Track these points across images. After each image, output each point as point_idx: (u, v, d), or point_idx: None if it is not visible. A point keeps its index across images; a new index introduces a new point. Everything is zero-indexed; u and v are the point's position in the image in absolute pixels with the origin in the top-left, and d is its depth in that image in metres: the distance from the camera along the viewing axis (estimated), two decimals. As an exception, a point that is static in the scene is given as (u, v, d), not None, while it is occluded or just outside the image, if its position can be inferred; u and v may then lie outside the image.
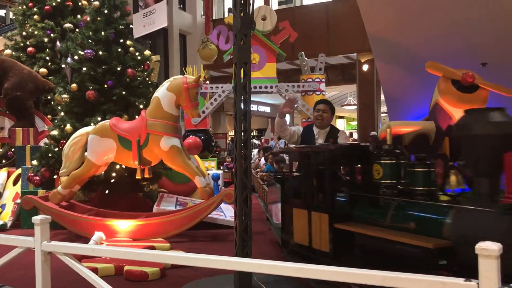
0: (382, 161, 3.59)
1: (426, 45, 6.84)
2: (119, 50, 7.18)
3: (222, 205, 6.59)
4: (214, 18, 20.03)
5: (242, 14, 3.96)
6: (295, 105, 8.92)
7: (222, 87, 10.06)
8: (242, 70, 4.02)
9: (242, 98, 4.02)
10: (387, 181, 3.52)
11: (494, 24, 6.60)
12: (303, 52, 10.23)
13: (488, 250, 1.20)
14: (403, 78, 7.52)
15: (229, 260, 1.87)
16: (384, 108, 18.48)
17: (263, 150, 14.97)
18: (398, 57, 7.39)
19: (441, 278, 1.31)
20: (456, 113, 4.63)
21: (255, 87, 9.69)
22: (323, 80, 10.09)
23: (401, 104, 7.65)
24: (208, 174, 8.43)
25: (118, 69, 7.05)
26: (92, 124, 6.58)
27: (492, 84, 4.54)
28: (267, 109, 28.36)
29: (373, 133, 16.46)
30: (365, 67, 18.00)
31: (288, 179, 4.77)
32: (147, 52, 7.88)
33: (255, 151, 15.41)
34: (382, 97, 15.72)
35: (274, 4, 20.38)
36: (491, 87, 4.53)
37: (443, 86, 4.63)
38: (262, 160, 13.85)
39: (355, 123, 23.16)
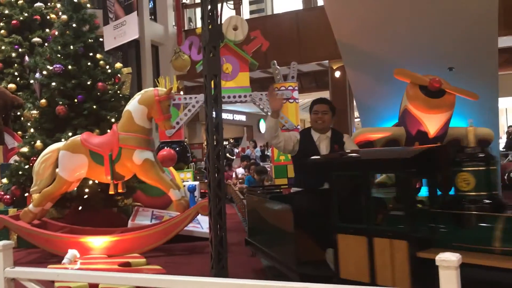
0: (471, 168, 2.94)
1: (394, 51, 6.97)
2: (89, 64, 7.10)
3: (199, 217, 6.54)
4: (185, 28, 20.00)
5: (210, 27, 3.97)
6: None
7: (195, 97, 10.02)
8: (212, 82, 4.02)
9: (214, 110, 4.02)
10: (481, 193, 2.86)
11: (457, 29, 6.77)
12: (275, 61, 10.29)
13: (447, 261, 1.22)
14: (373, 84, 7.64)
15: (205, 281, 1.85)
16: (357, 114, 18.70)
17: (241, 159, 14.46)
18: (367, 63, 7.50)
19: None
20: (425, 118, 4.73)
21: (229, 97, 9.70)
22: (296, 88, 10.16)
23: (373, 110, 7.76)
24: (184, 186, 8.38)
25: (88, 83, 6.97)
26: (62, 139, 6.47)
27: (458, 89, 4.66)
28: (243, 118, 28.38)
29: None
30: (337, 74, 18.20)
31: (304, 196, 3.99)
32: (117, 65, 7.82)
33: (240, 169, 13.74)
34: (355, 103, 15.92)
35: (245, 14, 20.46)
36: (458, 92, 4.64)
37: (411, 92, 4.73)
38: (241, 169, 13.29)
39: (330, 128, 23.36)
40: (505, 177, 11.75)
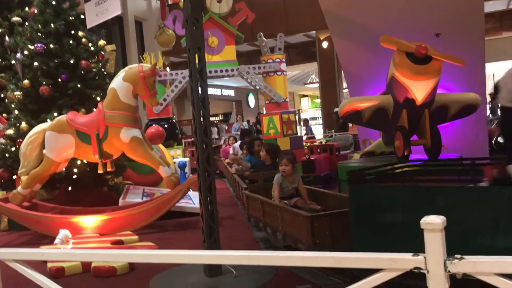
0: None
1: (380, 19, 6.88)
2: (71, 42, 6.96)
3: (191, 193, 6.55)
4: (169, 3, 19.64)
5: (192, -1, 3.88)
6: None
7: (182, 73, 9.89)
8: (196, 55, 3.95)
9: (199, 84, 3.97)
10: None
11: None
12: (261, 33, 10.15)
13: (432, 224, 1.22)
14: (360, 53, 7.56)
15: (196, 254, 1.84)
16: (346, 84, 18.66)
17: (241, 135, 12.26)
18: (354, 32, 7.41)
19: (390, 255, 1.33)
20: (412, 85, 4.70)
21: (215, 71, 9.59)
22: (283, 60, 10.06)
23: (360, 80, 7.70)
24: (174, 162, 8.36)
25: (71, 61, 6.85)
26: (48, 120, 6.39)
27: (445, 55, 4.62)
28: (231, 93, 28.22)
29: (336, 109, 16.63)
30: (325, 44, 18.07)
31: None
32: (101, 42, 7.67)
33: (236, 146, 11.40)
34: (343, 73, 15.87)
35: (230, -14, 20.10)
36: (444, 57, 4.60)
37: (398, 59, 4.68)
38: (236, 146, 11.10)
39: (319, 100, 23.35)
40: (493, 142, 11.86)
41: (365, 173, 3.35)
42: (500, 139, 12.46)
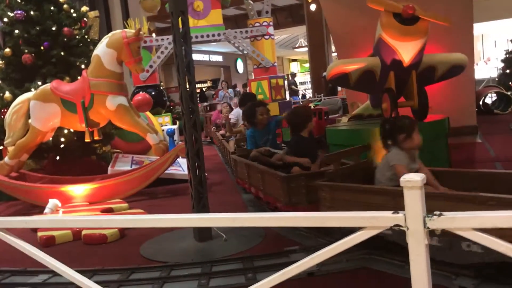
0: None
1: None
2: (52, 8, 6.77)
3: (180, 160, 6.55)
4: (154, -34, 19.12)
5: (173, -40, 3.77)
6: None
7: (168, 38, 9.72)
8: (179, 19, 3.87)
9: (183, 49, 3.90)
10: None
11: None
12: (248, -4, 9.96)
13: (412, 181, 1.23)
14: (348, 15, 7.47)
15: (185, 217, 1.85)
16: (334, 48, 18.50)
17: (243, 101, 8.33)
18: (341, -6, 7.31)
19: (370, 213, 1.34)
20: (399, 46, 4.67)
21: (202, 36, 9.42)
22: (271, 23, 9.89)
23: (349, 43, 7.64)
24: (163, 130, 8.32)
25: (53, 28, 6.68)
26: (32, 89, 6.28)
27: (432, 15, 4.57)
28: (219, 58, 27.91)
29: (325, 73, 16.53)
30: (313, 7, 17.80)
31: None
32: (83, 8, 7.47)
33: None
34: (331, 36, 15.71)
35: None
36: (431, 17, 4.55)
37: (385, 20, 4.63)
38: (235, 113, 9.33)
39: (308, 65, 23.19)
40: (480, 103, 11.94)
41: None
42: (487, 100, 12.56)
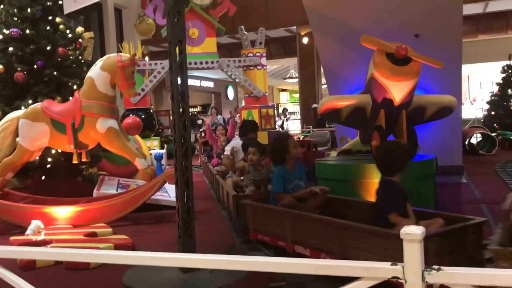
0: None
1: (361, 18, 6.94)
2: (48, 28, 6.81)
3: (166, 185, 6.49)
4: (150, -9, 19.36)
5: (174, -10, 3.82)
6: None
7: (161, 63, 9.79)
8: (177, 48, 3.91)
9: (179, 77, 3.92)
10: None
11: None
12: (242, 26, 10.11)
13: (411, 234, 1.24)
14: (340, 51, 7.61)
15: (172, 257, 1.83)
16: (325, 80, 18.75)
17: (244, 128, 7.31)
18: (335, 30, 7.45)
19: (368, 263, 1.34)
20: (391, 85, 4.75)
21: (195, 63, 9.52)
22: (264, 54, 10.05)
23: (340, 78, 7.76)
24: (151, 154, 8.27)
25: (48, 48, 6.70)
26: (22, 107, 6.24)
27: (424, 57, 4.68)
28: (210, 84, 28.05)
29: (315, 105, 16.71)
30: (305, 40, 18.09)
31: None
32: (79, 29, 7.52)
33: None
34: (323, 70, 15.94)
35: (212, -23, 19.89)
36: (423, 59, 4.66)
37: (377, 59, 4.72)
38: (233, 144, 7.06)
39: (297, 95, 23.43)
40: (466, 143, 12.12)
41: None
42: (473, 140, 12.75)
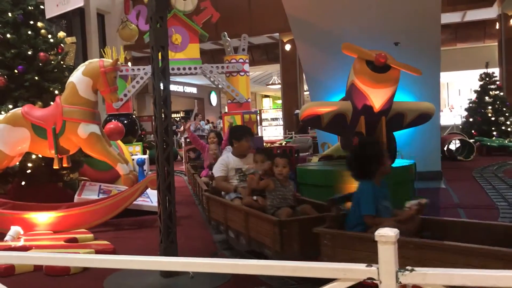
0: None
1: (342, 26, 7.05)
2: (29, 32, 6.74)
3: (149, 191, 6.47)
4: (133, -4, 19.30)
5: (157, -3, 3.85)
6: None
7: (144, 68, 9.77)
8: (159, 53, 3.93)
9: (161, 83, 3.94)
10: None
11: (403, 6, 6.94)
12: (225, 33, 10.16)
13: (386, 236, 1.28)
14: (322, 58, 7.71)
15: (152, 260, 1.84)
16: (307, 87, 18.90)
17: (234, 132, 5.56)
18: (316, 37, 7.55)
19: (344, 265, 1.38)
20: (371, 92, 4.82)
21: (178, 69, 9.53)
22: (247, 60, 10.11)
23: (321, 84, 7.86)
24: (133, 159, 8.24)
25: (29, 53, 6.63)
26: (2, 112, 6.16)
27: (403, 65, 4.77)
28: (194, 90, 28.04)
29: (297, 111, 16.84)
30: (288, 47, 18.25)
31: None
32: (60, 34, 7.47)
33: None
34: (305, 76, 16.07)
35: (196, -17, 19.94)
36: (402, 67, 4.75)
37: (358, 66, 4.80)
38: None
39: (280, 101, 23.55)
40: (445, 149, 12.34)
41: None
42: (451, 147, 12.98)
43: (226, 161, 5.06)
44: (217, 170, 5.02)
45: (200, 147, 8.00)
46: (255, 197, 4.24)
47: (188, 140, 11.98)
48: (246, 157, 5.10)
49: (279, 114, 26.74)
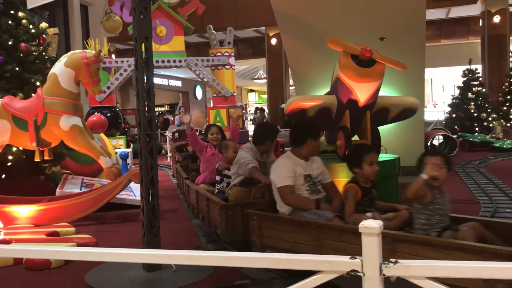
0: None
1: (328, 20, 7.03)
2: (10, 22, 6.60)
3: (132, 185, 6.41)
4: (118, -12, 19.05)
5: (141, -13, 3.79)
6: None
7: (127, 61, 9.65)
8: (143, 45, 3.87)
9: (145, 75, 3.89)
10: None
11: (388, 1, 6.95)
12: (211, 26, 10.07)
13: (370, 228, 1.27)
14: (307, 52, 7.69)
15: (136, 253, 1.81)
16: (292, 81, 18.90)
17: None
18: (302, 31, 7.53)
19: (327, 257, 1.37)
20: (356, 87, 4.82)
21: (163, 61, 9.43)
22: (232, 54, 10.04)
23: (307, 78, 7.84)
24: (116, 153, 8.15)
25: (10, 43, 6.50)
26: (-18, 104, 6.03)
27: (388, 59, 4.77)
28: (178, 83, 27.83)
29: (283, 105, 16.83)
30: (274, 41, 18.22)
31: None
32: (42, 25, 7.33)
33: None
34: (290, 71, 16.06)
35: (181, -25, 19.77)
36: (387, 61, 4.75)
37: (343, 61, 4.78)
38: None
39: (266, 96, 23.53)
40: (428, 144, 12.44)
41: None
42: (434, 142, 13.11)
43: (293, 166, 3.87)
44: (283, 178, 3.79)
45: (199, 148, 6.10)
46: (370, 214, 3.36)
47: (177, 134, 11.37)
48: (310, 160, 4.08)
49: (264, 108, 26.72)
